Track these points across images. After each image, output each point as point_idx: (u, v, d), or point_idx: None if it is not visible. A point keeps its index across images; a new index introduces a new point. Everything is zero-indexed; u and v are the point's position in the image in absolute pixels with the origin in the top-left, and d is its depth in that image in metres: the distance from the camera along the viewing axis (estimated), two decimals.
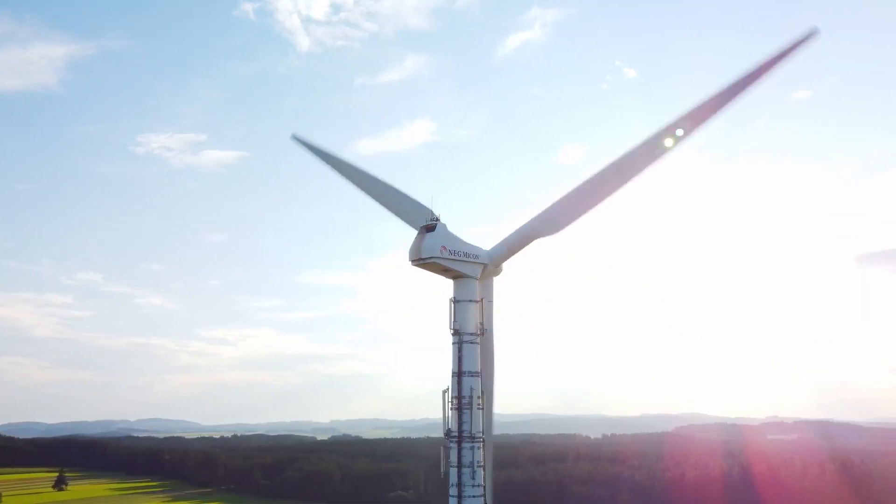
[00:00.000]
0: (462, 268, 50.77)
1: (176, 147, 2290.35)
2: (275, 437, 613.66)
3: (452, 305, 50.86)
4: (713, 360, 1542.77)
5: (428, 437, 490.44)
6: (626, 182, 49.72)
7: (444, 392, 49.74)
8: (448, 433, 49.07)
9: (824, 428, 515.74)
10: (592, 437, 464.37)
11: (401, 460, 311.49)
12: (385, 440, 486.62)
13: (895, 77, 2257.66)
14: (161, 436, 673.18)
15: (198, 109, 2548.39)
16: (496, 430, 53.01)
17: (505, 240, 53.46)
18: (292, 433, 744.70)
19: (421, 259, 50.05)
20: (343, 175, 58.07)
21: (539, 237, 52.10)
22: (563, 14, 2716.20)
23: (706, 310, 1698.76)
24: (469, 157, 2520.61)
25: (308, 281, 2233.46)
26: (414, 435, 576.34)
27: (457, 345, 50.05)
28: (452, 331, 50.42)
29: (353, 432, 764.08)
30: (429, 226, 50.61)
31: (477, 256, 51.63)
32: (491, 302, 52.46)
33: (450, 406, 49.43)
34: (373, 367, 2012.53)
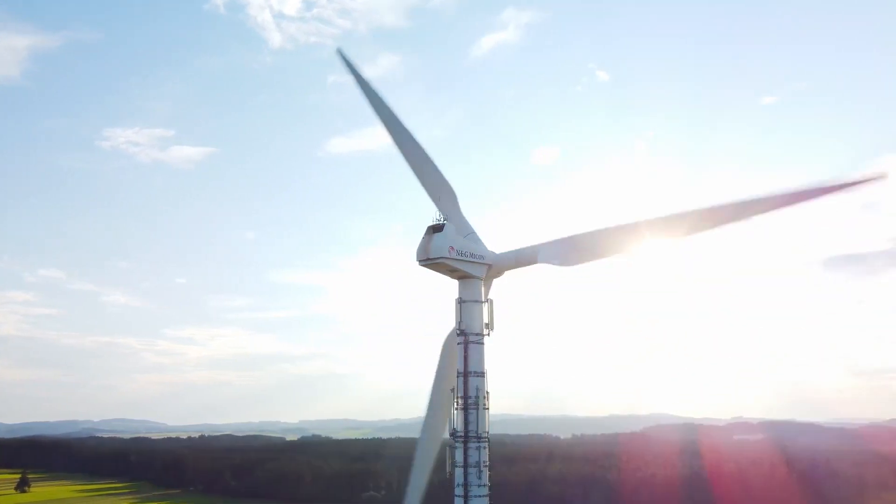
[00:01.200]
0: (469, 268, 51.08)
1: (143, 142, 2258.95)
2: (243, 438, 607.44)
3: (458, 306, 51.19)
4: (680, 361, 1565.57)
5: (399, 438, 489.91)
6: (642, 239, 49.21)
7: (450, 392, 50.05)
8: (454, 433, 49.41)
9: (787, 428, 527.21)
10: (562, 437, 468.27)
11: (372, 461, 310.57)
12: (356, 440, 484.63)
13: (860, 84, 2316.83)
14: (126, 436, 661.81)
15: (166, 104, 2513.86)
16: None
17: (514, 251, 53.34)
18: (261, 433, 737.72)
19: (429, 259, 50.14)
20: (386, 125, 53.64)
21: (545, 263, 51.48)
22: (538, 16, 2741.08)
23: (673, 312, 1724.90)
24: (442, 158, 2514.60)
25: (278, 280, 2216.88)
26: (384, 435, 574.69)
27: (462, 345, 50.39)
28: (458, 331, 50.74)
29: (323, 433, 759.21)
30: (436, 226, 50.84)
31: (483, 257, 52.04)
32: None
33: (455, 406, 49.75)
34: (343, 368, 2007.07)
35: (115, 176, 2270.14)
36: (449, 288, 53.17)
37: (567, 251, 50.40)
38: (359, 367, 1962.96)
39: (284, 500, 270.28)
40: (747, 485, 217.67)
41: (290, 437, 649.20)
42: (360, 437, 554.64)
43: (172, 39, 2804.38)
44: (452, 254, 49.79)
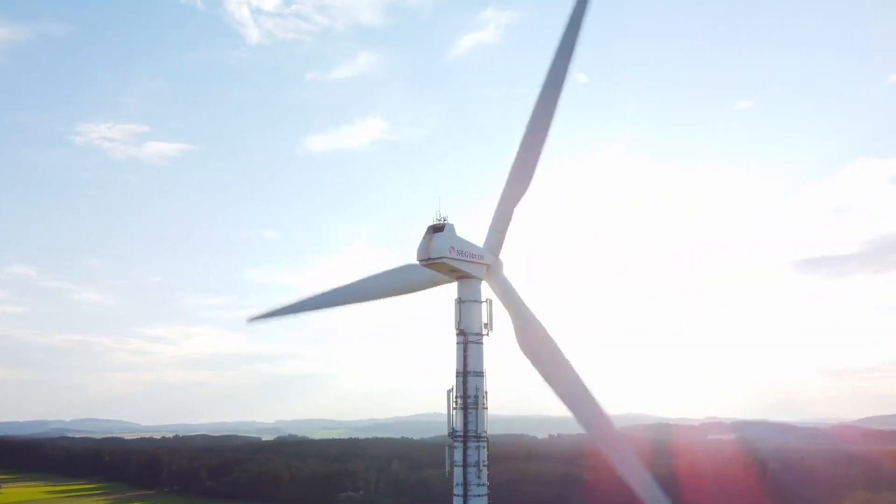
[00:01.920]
0: (469, 268, 51.44)
1: (117, 138, 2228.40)
2: (219, 438, 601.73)
3: (458, 306, 51.33)
4: (655, 361, 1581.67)
5: (376, 438, 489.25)
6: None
7: (449, 392, 50.15)
8: (452, 433, 49.45)
9: (760, 428, 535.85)
10: (539, 437, 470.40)
11: (349, 461, 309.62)
12: (333, 440, 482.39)
13: (836, 88, 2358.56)
14: (98, 436, 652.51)
15: (141, 100, 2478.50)
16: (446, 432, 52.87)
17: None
18: (236, 433, 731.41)
19: (430, 259, 50.29)
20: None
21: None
22: (517, 16, 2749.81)
23: (648, 312, 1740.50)
24: (421, 157, 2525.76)
25: (254, 279, 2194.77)
26: (361, 435, 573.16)
27: (461, 345, 50.49)
28: (458, 331, 50.85)
29: (299, 433, 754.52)
30: (437, 226, 50.87)
31: (482, 257, 52.40)
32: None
33: (454, 406, 49.82)
34: (319, 368, 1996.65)
35: (88, 172, 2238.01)
36: (445, 290, 53.58)
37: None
38: (335, 367, 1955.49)
39: (262, 501, 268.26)
40: (721, 484, 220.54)
41: (266, 438, 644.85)
42: (337, 438, 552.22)
43: (148, 33, 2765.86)
44: (453, 254, 50.05)
